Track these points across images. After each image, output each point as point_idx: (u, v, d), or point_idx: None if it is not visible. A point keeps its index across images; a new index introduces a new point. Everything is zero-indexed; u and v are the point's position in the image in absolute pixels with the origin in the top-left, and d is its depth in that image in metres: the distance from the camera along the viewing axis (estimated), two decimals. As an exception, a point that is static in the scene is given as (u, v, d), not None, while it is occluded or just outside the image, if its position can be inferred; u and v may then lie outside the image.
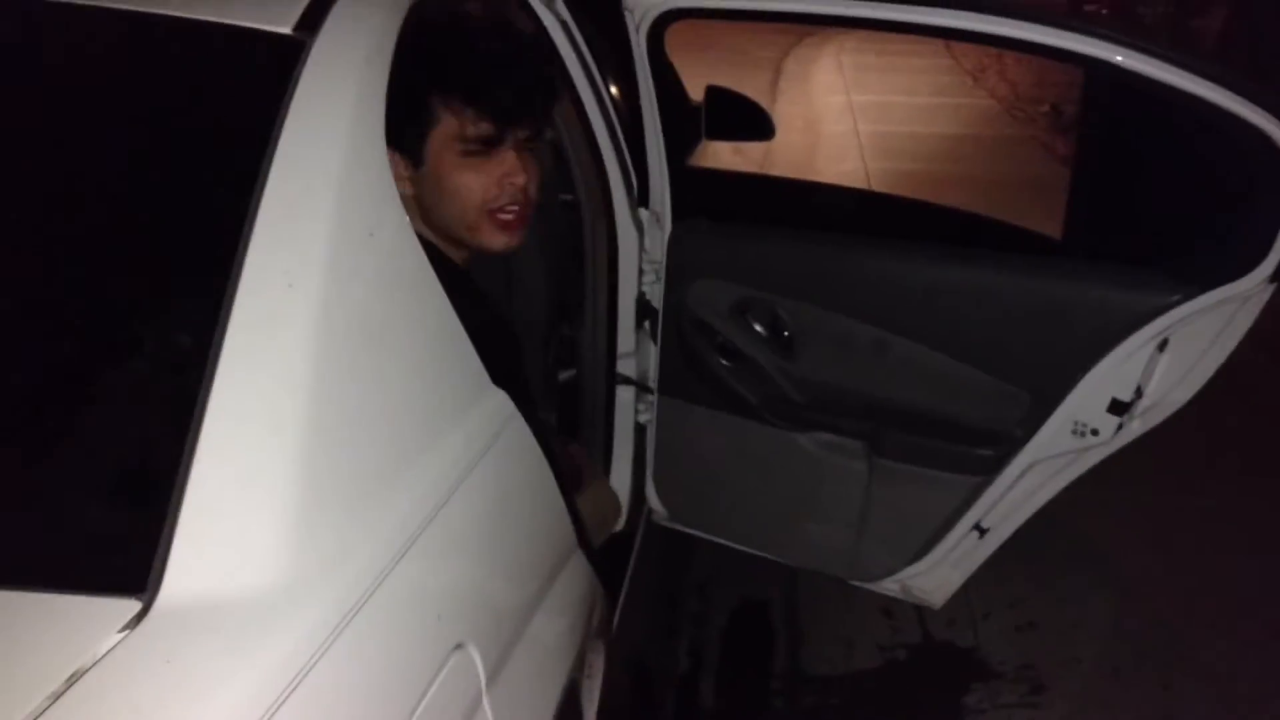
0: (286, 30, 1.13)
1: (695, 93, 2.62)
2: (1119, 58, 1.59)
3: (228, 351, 0.89)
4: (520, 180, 1.45)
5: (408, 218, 1.12)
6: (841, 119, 8.51)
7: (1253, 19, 9.06)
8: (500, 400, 1.23)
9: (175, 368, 0.94)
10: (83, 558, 0.84)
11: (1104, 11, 11.79)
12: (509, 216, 1.47)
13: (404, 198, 1.41)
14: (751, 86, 8.77)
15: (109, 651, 0.75)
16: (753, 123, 2.76)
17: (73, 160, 1.09)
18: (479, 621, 1.12)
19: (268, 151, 1.01)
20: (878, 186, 6.58)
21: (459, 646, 1.03)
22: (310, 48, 1.11)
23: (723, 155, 6.07)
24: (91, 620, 0.77)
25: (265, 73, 1.11)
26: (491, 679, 1.09)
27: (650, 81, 1.95)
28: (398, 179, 1.39)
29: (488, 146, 1.42)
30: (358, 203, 1.06)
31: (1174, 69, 1.55)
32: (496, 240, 1.48)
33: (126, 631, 0.77)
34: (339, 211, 1.02)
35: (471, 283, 1.55)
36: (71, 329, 0.99)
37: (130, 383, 0.96)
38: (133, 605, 0.78)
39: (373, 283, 1.06)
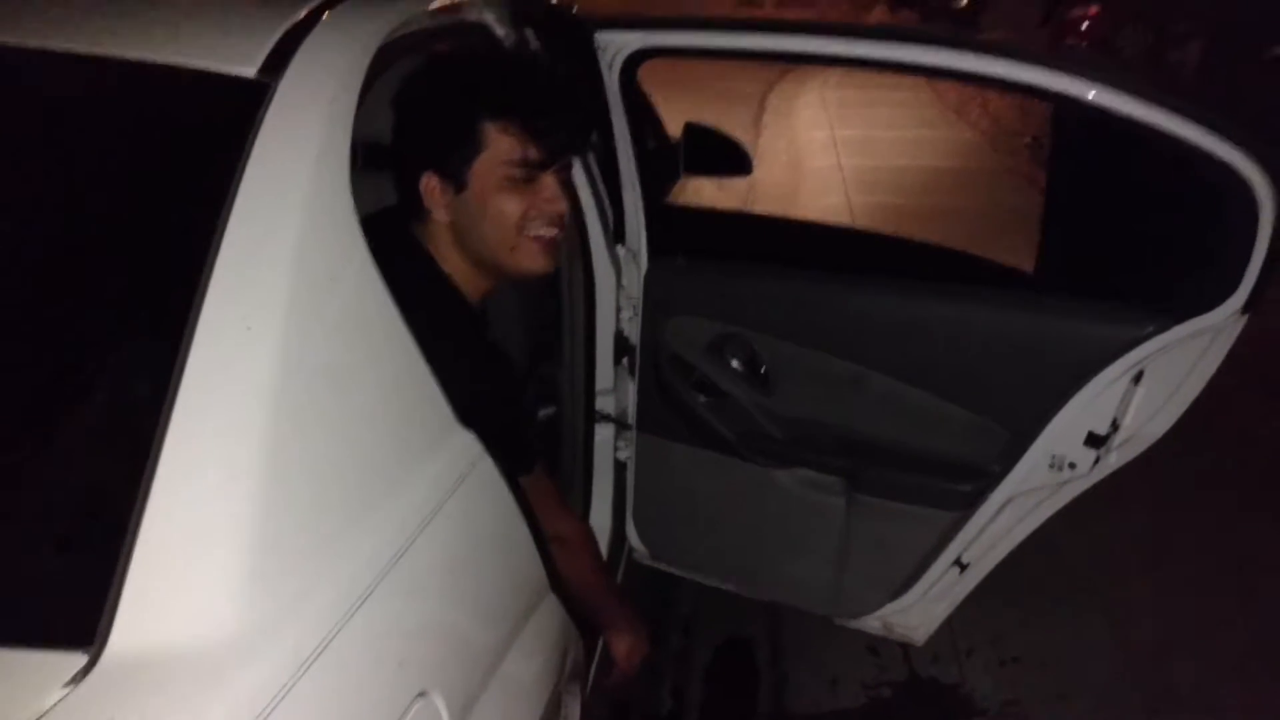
0: (251, 73, 1.13)
1: (680, 129, 2.64)
2: (1091, 94, 1.60)
3: (183, 397, 0.88)
4: (562, 207, 1.50)
5: (371, 262, 1.11)
6: (825, 153, 8.57)
7: (1229, 52, 9.19)
8: (467, 441, 1.22)
9: (129, 414, 0.93)
10: (28, 610, 0.83)
11: (1084, 44, 11.96)
12: (549, 237, 1.51)
13: (439, 225, 1.48)
14: (735, 122, 8.87)
15: (52, 708, 0.73)
16: (731, 159, 2.78)
17: (32, 203, 1.08)
18: (444, 667, 1.10)
19: (229, 195, 1.00)
20: (861, 219, 6.61)
21: (422, 694, 1.01)
22: (275, 90, 1.11)
23: (707, 190, 6.10)
24: (35, 675, 0.76)
25: (229, 116, 1.11)
26: (458, 726, 1.07)
27: (624, 119, 1.96)
28: (436, 205, 1.46)
29: (533, 172, 1.46)
30: (320, 246, 1.05)
31: (1143, 104, 1.56)
32: (537, 262, 1.51)
33: (71, 687, 0.75)
34: (300, 255, 1.01)
35: (476, 322, 1.57)
36: (22, 373, 0.97)
37: (83, 429, 0.94)
38: (79, 659, 0.77)
39: (334, 327, 1.05)
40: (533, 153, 1.44)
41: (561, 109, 1.50)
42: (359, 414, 1.05)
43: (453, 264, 1.51)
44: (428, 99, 1.46)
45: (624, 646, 1.81)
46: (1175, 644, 2.75)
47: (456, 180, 1.45)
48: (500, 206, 1.45)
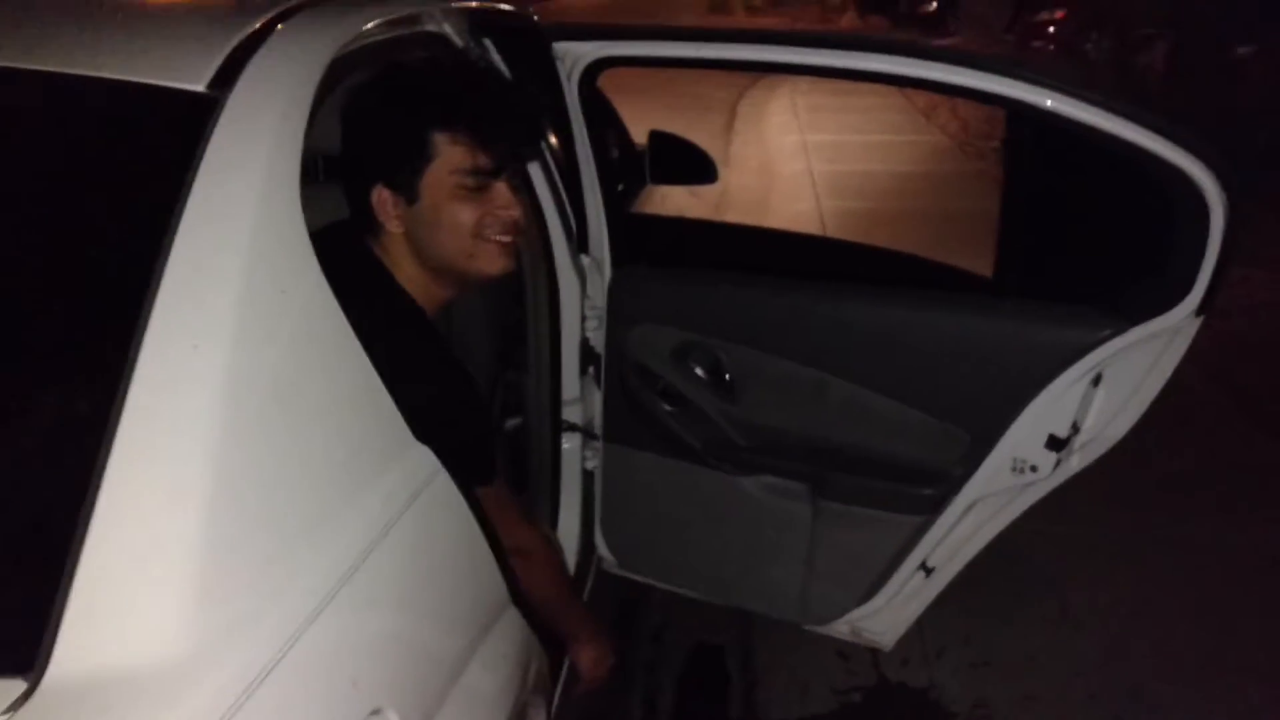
0: (200, 88, 1.12)
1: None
2: (1048, 102, 1.62)
3: (128, 416, 0.87)
4: (515, 212, 1.51)
5: (322, 277, 1.10)
6: (796, 159, 8.60)
7: (1195, 54, 9.30)
8: (423, 456, 1.22)
9: (73, 431, 0.92)
10: (-35, 636, 0.82)
11: (1050, 48, 12.07)
12: (505, 240, 1.51)
13: (394, 237, 1.48)
14: (707, 128, 8.91)
15: (-11, 735, 0.72)
16: (696, 167, 2.78)
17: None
18: (399, 683, 1.09)
19: (176, 211, 0.99)
20: (832, 224, 6.64)
21: (376, 712, 1.01)
22: (224, 105, 1.10)
23: (679, 198, 6.12)
24: (-29, 702, 0.75)
25: (177, 131, 1.10)
26: (415, 742, 1.07)
27: (584, 128, 1.97)
28: (388, 218, 1.46)
29: (485, 179, 1.46)
30: (269, 262, 1.04)
31: (1096, 110, 1.58)
32: (495, 264, 1.52)
33: (9, 714, 0.74)
34: (249, 271, 1.00)
35: (435, 333, 1.57)
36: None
37: (25, 447, 0.93)
38: (18, 685, 0.76)
39: (285, 343, 1.04)
40: (483, 160, 1.44)
41: (511, 115, 1.50)
42: (310, 430, 1.05)
43: (409, 274, 1.50)
44: (374, 111, 1.46)
45: (588, 658, 1.81)
46: (1142, 647, 2.77)
47: (408, 192, 1.44)
48: (454, 216, 1.45)
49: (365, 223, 1.48)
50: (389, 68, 1.48)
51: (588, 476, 2.33)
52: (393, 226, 1.46)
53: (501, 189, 1.48)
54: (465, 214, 1.46)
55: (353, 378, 1.13)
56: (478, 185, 1.45)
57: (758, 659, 2.72)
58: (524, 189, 1.95)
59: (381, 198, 1.45)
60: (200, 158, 1.04)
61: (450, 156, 1.43)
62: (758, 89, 12.01)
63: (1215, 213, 1.57)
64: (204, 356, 0.93)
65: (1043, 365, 1.79)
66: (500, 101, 1.51)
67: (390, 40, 1.53)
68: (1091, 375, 1.78)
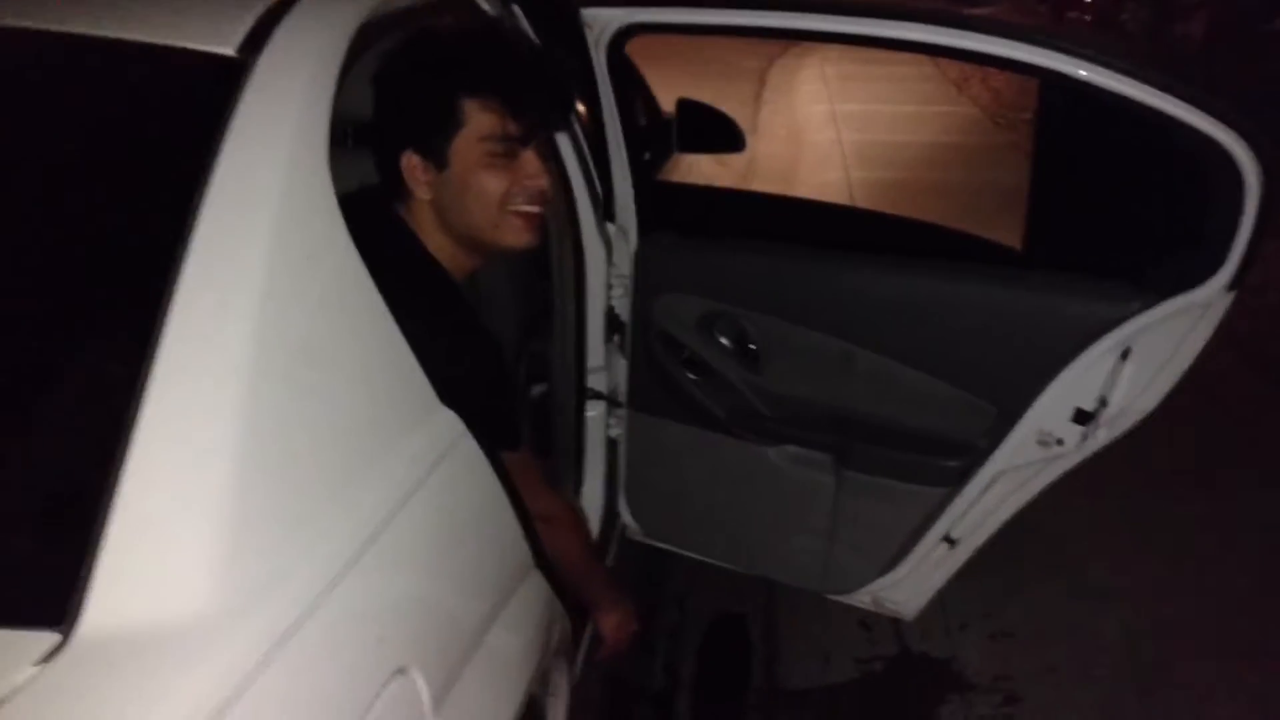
0: (230, 52, 1.12)
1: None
2: (1081, 72, 1.59)
3: (158, 374, 0.88)
4: (542, 182, 1.51)
5: (350, 240, 1.11)
6: (825, 128, 8.54)
7: (1235, 25, 9.13)
8: (448, 420, 1.23)
9: (103, 391, 0.93)
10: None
11: (1087, 18, 11.88)
12: (532, 212, 1.51)
13: (421, 203, 1.48)
14: (736, 97, 8.85)
15: (22, 686, 0.74)
16: (724, 135, 2.78)
17: (7, 181, 1.08)
18: (424, 644, 1.11)
19: (206, 173, 1.00)
20: (860, 195, 6.60)
21: (401, 670, 1.02)
22: (253, 69, 1.10)
23: (706, 166, 6.09)
24: (6, 654, 0.76)
25: (207, 94, 1.10)
26: (439, 700, 1.08)
27: (611, 96, 1.96)
28: (417, 184, 1.46)
29: (514, 147, 1.46)
30: (298, 224, 1.05)
31: (1129, 81, 1.56)
32: (521, 238, 1.52)
33: (42, 665, 0.76)
34: (278, 233, 1.01)
35: (462, 299, 1.57)
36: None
37: (56, 406, 0.94)
38: (51, 638, 0.77)
39: (312, 304, 1.05)
40: (512, 128, 1.44)
41: (540, 83, 1.50)
42: (337, 392, 1.06)
43: (436, 242, 1.51)
44: (405, 77, 1.46)
45: (611, 624, 1.83)
46: (1166, 621, 2.76)
47: (437, 159, 1.45)
48: (482, 184, 1.45)
49: (394, 189, 1.49)
50: (420, 33, 1.47)
51: (612, 444, 2.34)
52: (421, 193, 1.47)
53: (530, 158, 1.48)
54: (493, 183, 1.46)
55: (379, 341, 1.14)
56: (506, 152, 1.45)
57: (780, 628, 2.73)
58: (551, 158, 1.95)
59: (411, 163, 1.45)
60: (229, 121, 1.04)
61: (480, 123, 1.43)
62: (787, 57, 11.91)
63: (1250, 185, 1.55)
64: (233, 317, 0.94)
65: (1071, 338, 1.77)
66: (530, 69, 1.51)
67: (419, 6, 1.53)
68: (1120, 349, 1.76)
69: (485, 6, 1.77)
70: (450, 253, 1.53)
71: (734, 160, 6.59)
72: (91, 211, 1.06)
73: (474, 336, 1.55)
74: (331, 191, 1.10)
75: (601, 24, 1.87)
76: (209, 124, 1.04)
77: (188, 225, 0.96)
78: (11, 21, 1.15)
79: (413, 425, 1.17)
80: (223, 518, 0.87)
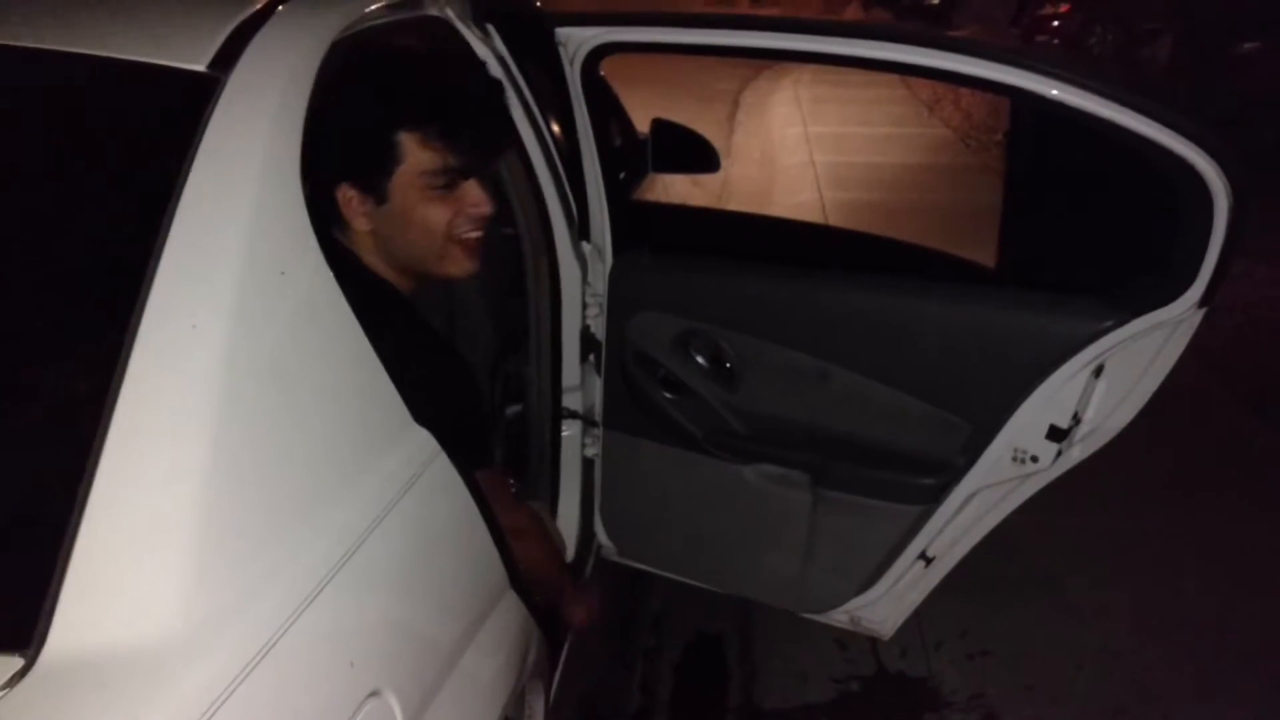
0: (200, 68, 1.12)
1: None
2: (1053, 91, 1.60)
3: (126, 394, 0.87)
4: (486, 209, 1.49)
5: (323, 259, 1.10)
6: (798, 150, 8.58)
7: (1199, 49, 9.28)
8: (422, 439, 1.21)
9: (71, 409, 0.91)
10: (-38, 612, 0.82)
11: (1055, 41, 12.03)
12: (473, 240, 1.50)
13: (360, 234, 1.45)
14: (710, 119, 8.88)
15: (-15, 710, 0.72)
16: (698, 155, 2.79)
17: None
18: (398, 665, 1.09)
19: (175, 190, 0.99)
20: (834, 216, 6.63)
21: (374, 694, 1.01)
22: (224, 85, 1.10)
23: (681, 187, 6.10)
24: (-32, 678, 0.75)
25: (177, 110, 1.10)
26: (412, 724, 1.07)
27: (586, 114, 1.96)
28: (355, 216, 1.42)
29: (455, 179, 1.44)
30: (269, 241, 1.04)
31: (1100, 100, 1.57)
32: (464, 265, 1.51)
33: (6, 690, 0.74)
34: (248, 250, 1.00)
35: (422, 318, 1.55)
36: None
37: (23, 423, 0.93)
38: (14, 662, 0.76)
39: (284, 322, 1.04)
40: (453, 161, 1.42)
41: (481, 115, 1.48)
42: (309, 410, 1.05)
43: (377, 266, 1.49)
44: (340, 111, 1.38)
45: (580, 614, 1.93)
46: (1141, 640, 2.77)
47: (376, 194, 1.42)
48: (425, 217, 1.44)
49: (329, 215, 1.44)
50: (356, 64, 1.40)
51: (587, 464, 2.32)
52: (359, 225, 1.44)
53: (472, 186, 1.46)
54: (436, 214, 1.44)
55: (352, 359, 1.13)
56: (448, 184, 1.43)
57: (756, 648, 2.72)
58: (522, 178, 1.94)
59: (347, 196, 1.41)
60: (200, 137, 1.04)
61: (419, 159, 1.40)
62: (761, 80, 11.98)
63: (1219, 203, 1.56)
64: (203, 336, 0.93)
65: (1045, 355, 1.78)
66: (471, 100, 1.48)
67: (392, 23, 1.52)
68: (1093, 366, 1.77)
69: (458, 24, 1.77)
70: (393, 276, 1.51)
71: (708, 181, 6.62)
72: (60, 228, 1.05)
73: (436, 354, 1.54)
74: (304, 209, 1.09)
75: (576, 42, 1.87)
76: (180, 140, 1.04)
77: (158, 242, 0.95)
78: (-21, 37, 1.13)
79: (386, 444, 1.16)
80: (192, 538, 0.85)
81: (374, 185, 1.41)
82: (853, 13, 20.18)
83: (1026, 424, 1.85)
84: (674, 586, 2.48)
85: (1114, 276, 1.81)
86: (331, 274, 1.11)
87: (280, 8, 1.23)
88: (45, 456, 0.90)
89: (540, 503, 2.23)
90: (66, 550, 0.80)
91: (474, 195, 1.46)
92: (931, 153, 8.69)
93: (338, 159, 1.41)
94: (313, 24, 1.24)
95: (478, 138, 1.46)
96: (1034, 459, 1.88)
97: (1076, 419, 1.83)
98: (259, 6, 1.22)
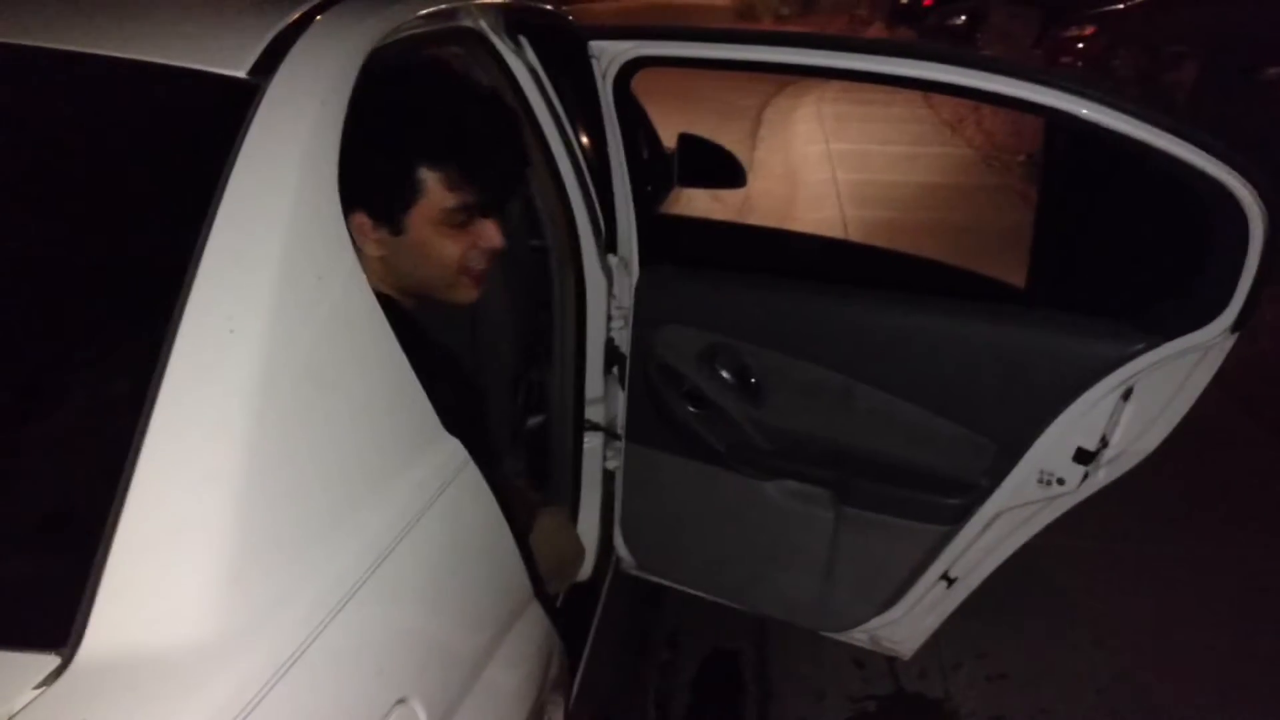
0: (241, 74, 1.12)
1: (674, 140, 2.64)
2: (1084, 110, 1.60)
3: (164, 396, 0.87)
4: (499, 245, 1.49)
5: (360, 265, 1.11)
6: (820, 167, 8.58)
7: (1225, 73, 9.23)
8: (453, 448, 1.22)
9: (110, 410, 0.92)
10: (1, 610, 0.82)
11: (1078, 64, 11.99)
12: (482, 271, 1.51)
13: (367, 256, 1.43)
14: (732, 135, 8.89)
15: (22, 709, 0.72)
16: (724, 170, 2.79)
17: (19, 199, 1.07)
18: (425, 674, 1.09)
19: (215, 194, 1.00)
20: (855, 233, 6.62)
21: (401, 701, 1.00)
22: (264, 91, 1.10)
23: (702, 203, 6.11)
24: (5, 676, 0.75)
25: (218, 115, 1.10)
26: (438, 733, 1.07)
27: (617, 128, 1.96)
28: (365, 241, 1.41)
29: (473, 215, 1.44)
30: (307, 247, 1.04)
31: (1135, 121, 1.56)
32: (470, 294, 1.52)
33: (42, 689, 0.74)
34: (286, 255, 1.00)
35: (426, 331, 1.55)
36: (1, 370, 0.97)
37: (62, 424, 0.93)
38: (51, 660, 0.76)
39: (320, 328, 1.04)
40: (473, 199, 1.42)
41: (498, 153, 1.47)
42: (343, 417, 1.05)
43: (379, 287, 1.47)
44: (363, 144, 1.36)
45: None
46: (1160, 664, 2.74)
47: (391, 225, 1.41)
48: (439, 251, 1.44)
49: None
50: (380, 92, 1.38)
51: (608, 476, 2.32)
52: (369, 249, 1.43)
53: (488, 223, 1.47)
54: (450, 249, 1.44)
55: (386, 365, 1.14)
56: (465, 221, 1.44)
57: (773, 665, 2.71)
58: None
59: (361, 223, 1.41)
60: (240, 142, 1.04)
61: (441, 196, 1.41)
62: (783, 96, 12.00)
63: (1254, 227, 1.55)
64: (240, 339, 0.93)
65: (1073, 378, 1.77)
66: (495, 136, 1.47)
67: (427, 34, 1.53)
68: (1122, 389, 1.76)
69: (491, 36, 1.78)
70: (396, 294, 1.50)
71: (730, 197, 6.63)
72: (101, 231, 1.05)
73: (452, 370, 1.54)
74: (340, 215, 1.10)
75: (609, 56, 1.87)
76: (221, 145, 1.04)
77: (197, 246, 0.96)
78: (25, 40, 1.14)
79: (418, 451, 1.16)
80: (227, 541, 0.86)
81: (390, 216, 1.41)
82: (876, 32, 20.19)
83: (1053, 446, 1.84)
84: (690, 602, 2.47)
85: (1146, 299, 1.80)
86: (366, 280, 1.11)
87: (319, 16, 1.24)
88: (84, 456, 0.91)
89: (560, 508, 2.23)
90: (103, 551, 0.80)
91: (489, 232, 1.47)
92: (953, 172, 8.68)
93: (356, 188, 1.39)
94: (352, 32, 1.25)
95: (499, 176, 1.46)
96: (1060, 481, 1.86)
97: (1104, 442, 1.82)
98: (299, 15, 1.23)
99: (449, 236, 1.44)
